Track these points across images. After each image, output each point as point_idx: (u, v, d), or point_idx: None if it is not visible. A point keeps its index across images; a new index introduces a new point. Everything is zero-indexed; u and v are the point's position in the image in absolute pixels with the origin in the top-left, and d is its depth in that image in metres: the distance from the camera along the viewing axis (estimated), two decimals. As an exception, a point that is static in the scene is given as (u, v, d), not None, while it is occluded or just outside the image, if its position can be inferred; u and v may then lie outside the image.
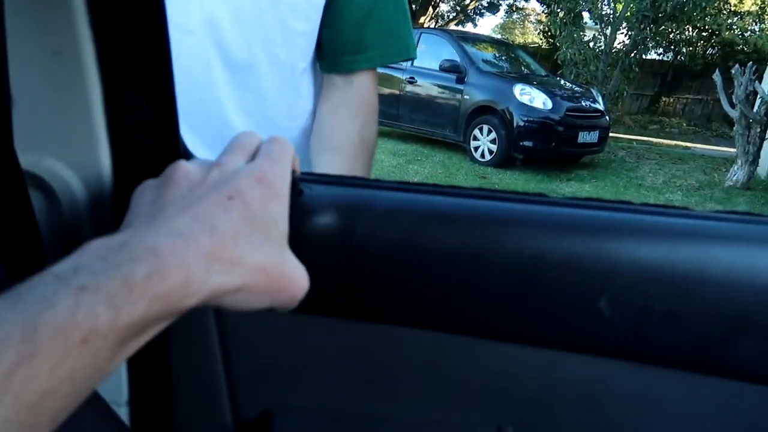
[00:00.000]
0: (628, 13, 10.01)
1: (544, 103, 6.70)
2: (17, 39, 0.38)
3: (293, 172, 0.44)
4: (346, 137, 0.90)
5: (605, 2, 10.38)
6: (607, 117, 7.42)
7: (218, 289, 0.31)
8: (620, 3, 10.29)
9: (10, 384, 0.22)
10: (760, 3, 14.69)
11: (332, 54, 0.91)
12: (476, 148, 7.05)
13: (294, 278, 0.36)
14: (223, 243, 0.32)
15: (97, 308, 0.25)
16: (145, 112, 0.43)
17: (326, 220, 0.44)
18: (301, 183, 0.44)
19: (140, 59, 0.41)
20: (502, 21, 26.06)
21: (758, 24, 14.73)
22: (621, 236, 0.42)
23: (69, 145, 0.42)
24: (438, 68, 7.42)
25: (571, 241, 0.42)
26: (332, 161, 0.88)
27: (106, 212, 0.44)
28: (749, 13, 14.74)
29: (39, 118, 0.41)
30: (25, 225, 0.39)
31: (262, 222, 0.34)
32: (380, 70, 0.96)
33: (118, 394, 0.50)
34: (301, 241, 0.44)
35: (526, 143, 6.65)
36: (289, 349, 0.49)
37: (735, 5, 14.48)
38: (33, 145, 0.41)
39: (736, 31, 14.74)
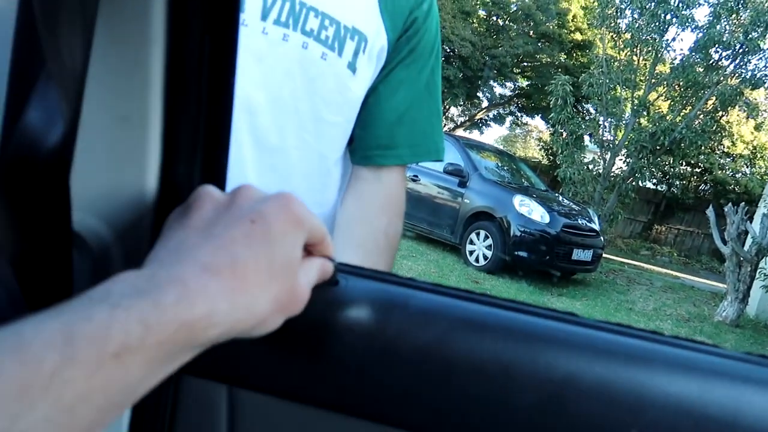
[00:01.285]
0: (627, 142, 10.44)
1: (542, 217, 6.84)
2: (89, 102, 0.39)
3: (330, 258, 0.43)
4: (370, 234, 0.90)
5: (606, 129, 10.85)
6: (601, 238, 7.55)
7: (239, 324, 0.33)
8: (621, 131, 10.75)
9: (52, 384, 0.23)
10: (751, 148, 15.39)
11: (363, 147, 0.93)
12: (471, 252, 7.11)
13: (301, 298, 0.37)
14: (245, 276, 0.33)
15: (129, 325, 0.26)
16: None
17: (359, 314, 0.43)
18: (338, 273, 0.44)
19: (203, 136, 0.42)
20: (506, 133, 27.15)
21: (749, 167, 15.34)
22: (654, 368, 0.41)
23: (117, 210, 0.42)
24: (442, 170, 7.62)
25: (604, 367, 0.41)
26: (355, 257, 0.88)
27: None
28: (741, 156, 15.41)
29: (93, 178, 0.41)
30: (61, 283, 0.38)
31: (281, 248, 0.35)
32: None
33: None
34: (331, 332, 0.43)
35: (521, 253, 6.72)
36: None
37: (728, 147, 15.16)
38: (80, 204, 0.41)
39: (728, 172, 15.33)
